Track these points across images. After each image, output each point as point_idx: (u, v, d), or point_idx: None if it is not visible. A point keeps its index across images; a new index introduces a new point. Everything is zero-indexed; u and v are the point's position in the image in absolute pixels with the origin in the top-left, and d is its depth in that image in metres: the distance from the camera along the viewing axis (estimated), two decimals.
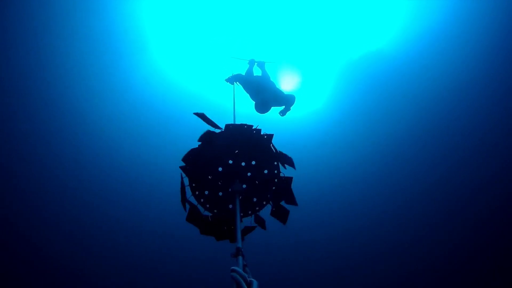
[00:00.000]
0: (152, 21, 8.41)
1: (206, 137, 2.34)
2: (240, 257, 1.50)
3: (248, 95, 5.93)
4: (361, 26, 8.63)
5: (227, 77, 6.05)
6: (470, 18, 8.12)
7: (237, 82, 5.90)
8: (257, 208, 2.38)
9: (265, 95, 5.36)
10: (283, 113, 5.79)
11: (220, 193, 2.38)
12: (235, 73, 6.12)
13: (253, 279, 1.33)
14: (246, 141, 2.34)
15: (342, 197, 9.50)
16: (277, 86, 5.85)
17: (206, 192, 2.38)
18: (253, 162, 2.36)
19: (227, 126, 2.35)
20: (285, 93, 5.73)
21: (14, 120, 8.45)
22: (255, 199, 2.37)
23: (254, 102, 5.54)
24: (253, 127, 2.35)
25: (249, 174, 2.36)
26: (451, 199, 9.57)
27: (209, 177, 2.37)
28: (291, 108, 5.78)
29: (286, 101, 5.69)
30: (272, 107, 5.51)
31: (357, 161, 9.30)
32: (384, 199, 9.59)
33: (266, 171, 2.36)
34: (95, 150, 8.98)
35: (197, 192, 2.38)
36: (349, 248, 9.81)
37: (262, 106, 5.20)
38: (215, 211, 2.39)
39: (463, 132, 9.07)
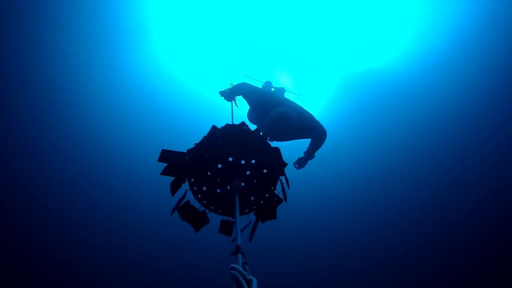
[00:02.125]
0: (158, 16, 8.36)
1: (210, 133, 2.34)
2: (240, 255, 1.51)
3: (248, 117, 4.10)
4: (365, 42, 8.72)
5: (223, 89, 4.25)
6: (476, 44, 8.19)
7: (235, 101, 4.20)
8: (254, 207, 2.39)
9: (286, 110, 3.66)
10: (300, 163, 3.97)
11: (218, 190, 2.38)
12: (235, 82, 4.40)
13: (252, 277, 1.34)
14: (246, 139, 2.35)
15: (338, 203, 9.62)
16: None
17: (204, 188, 2.38)
18: (253, 161, 2.36)
19: (228, 125, 2.36)
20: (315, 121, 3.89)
21: (15, 116, 8.37)
22: (252, 198, 2.38)
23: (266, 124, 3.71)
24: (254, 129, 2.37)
25: (248, 172, 2.36)
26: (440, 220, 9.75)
27: (208, 173, 2.37)
28: (314, 154, 3.97)
29: (313, 133, 3.91)
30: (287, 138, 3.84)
31: (346, 173, 9.41)
32: (379, 207, 9.72)
33: (265, 171, 2.37)
34: (96, 143, 8.95)
35: (195, 188, 2.38)
36: (348, 249, 9.93)
37: (280, 121, 3.53)
38: (212, 207, 2.39)
39: (460, 159, 9.23)
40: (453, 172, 9.28)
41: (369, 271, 10.04)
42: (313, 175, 8.73)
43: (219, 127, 2.34)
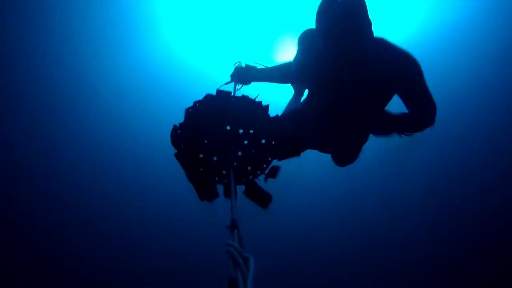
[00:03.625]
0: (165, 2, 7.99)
1: (206, 100, 2.28)
2: (236, 231, 1.48)
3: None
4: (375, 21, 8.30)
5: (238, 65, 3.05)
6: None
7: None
8: (251, 177, 2.38)
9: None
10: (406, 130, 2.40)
11: (215, 158, 2.36)
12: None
13: (249, 255, 1.31)
14: (245, 109, 2.29)
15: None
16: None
17: (201, 156, 2.36)
18: (251, 131, 2.32)
19: (228, 94, 2.29)
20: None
21: (22, 105, 8.16)
22: (249, 168, 2.37)
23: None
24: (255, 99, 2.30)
25: (245, 142, 2.33)
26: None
27: (205, 141, 2.33)
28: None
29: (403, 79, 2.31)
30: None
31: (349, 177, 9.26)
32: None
33: (263, 141, 2.33)
34: (104, 132, 8.81)
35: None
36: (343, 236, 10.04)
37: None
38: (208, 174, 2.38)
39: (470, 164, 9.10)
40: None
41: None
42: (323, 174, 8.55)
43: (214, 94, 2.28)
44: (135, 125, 8.99)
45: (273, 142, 2.34)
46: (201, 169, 2.38)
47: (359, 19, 2.13)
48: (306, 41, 2.67)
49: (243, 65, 3.01)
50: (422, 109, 2.37)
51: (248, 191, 2.36)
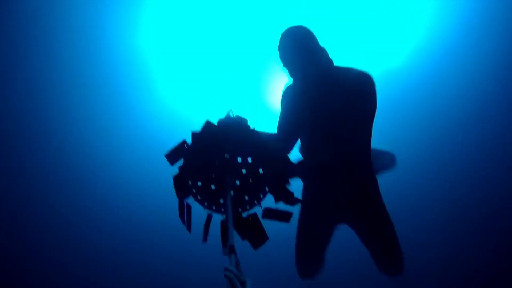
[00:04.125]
0: (157, 53, 8.14)
1: (206, 128, 2.31)
2: (233, 255, 1.49)
3: None
4: (375, 43, 8.43)
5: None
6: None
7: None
8: (247, 207, 2.37)
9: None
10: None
11: (213, 187, 2.36)
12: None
13: (246, 278, 1.33)
14: (244, 137, 2.32)
15: None
16: None
17: (199, 184, 2.36)
18: (249, 160, 2.34)
19: (223, 121, 2.33)
20: None
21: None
22: (247, 197, 2.36)
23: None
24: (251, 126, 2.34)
25: (244, 171, 2.34)
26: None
27: (205, 169, 2.35)
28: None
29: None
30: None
31: None
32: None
33: (261, 170, 2.35)
34: (100, 188, 8.66)
35: (190, 182, 2.36)
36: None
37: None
38: (206, 204, 2.37)
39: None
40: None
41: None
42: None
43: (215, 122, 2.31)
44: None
45: (271, 171, 2.35)
46: (199, 197, 2.38)
47: (308, 43, 2.48)
48: (285, 96, 2.88)
49: (234, 115, 2.54)
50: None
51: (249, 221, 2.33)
